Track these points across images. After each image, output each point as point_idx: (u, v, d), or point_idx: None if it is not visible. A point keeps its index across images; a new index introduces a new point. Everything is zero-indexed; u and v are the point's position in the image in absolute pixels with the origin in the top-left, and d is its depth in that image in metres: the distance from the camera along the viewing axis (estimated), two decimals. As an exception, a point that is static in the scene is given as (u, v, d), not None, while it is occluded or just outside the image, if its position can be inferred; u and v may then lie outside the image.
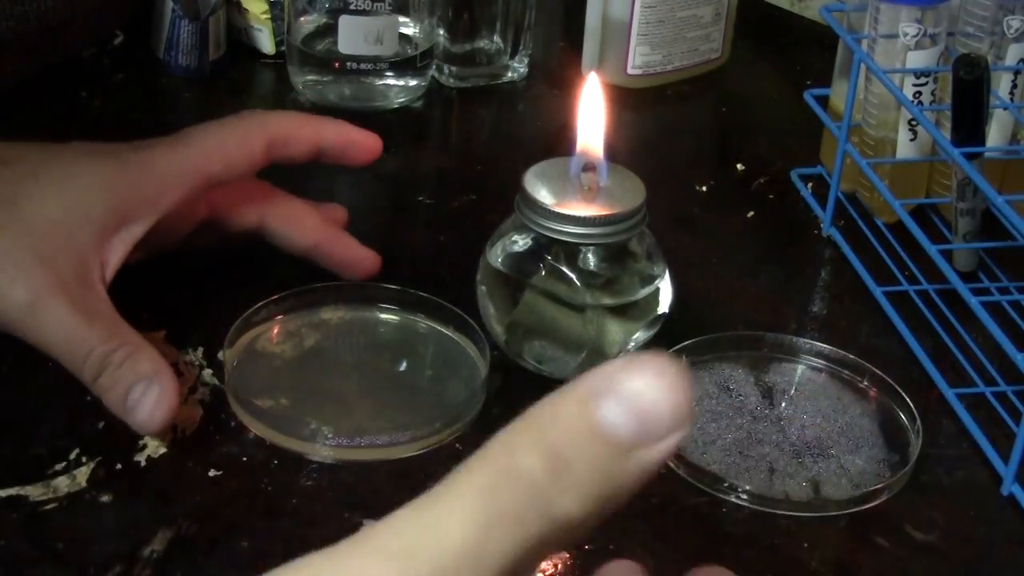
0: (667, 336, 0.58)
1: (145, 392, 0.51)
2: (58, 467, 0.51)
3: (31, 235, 0.53)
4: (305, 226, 0.61)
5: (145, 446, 0.52)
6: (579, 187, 0.55)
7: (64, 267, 0.52)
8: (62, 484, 0.50)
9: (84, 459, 0.51)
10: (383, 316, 0.60)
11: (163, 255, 0.60)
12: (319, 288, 0.60)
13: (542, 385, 0.57)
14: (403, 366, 0.58)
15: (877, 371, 0.58)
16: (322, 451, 0.52)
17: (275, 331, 0.59)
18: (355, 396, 0.56)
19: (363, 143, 0.62)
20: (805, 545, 0.51)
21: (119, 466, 0.51)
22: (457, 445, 0.54)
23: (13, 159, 0.55)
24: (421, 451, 0.53)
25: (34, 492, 0.50)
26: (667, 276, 0.57)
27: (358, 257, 0.61)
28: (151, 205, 0.55)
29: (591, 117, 0.56)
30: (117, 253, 0.54)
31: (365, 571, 0.25)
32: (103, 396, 0.52)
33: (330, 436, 0.52)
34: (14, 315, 0.52)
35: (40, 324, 0.52)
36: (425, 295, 0.60)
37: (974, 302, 0.56)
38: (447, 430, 0.54)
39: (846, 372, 0.59)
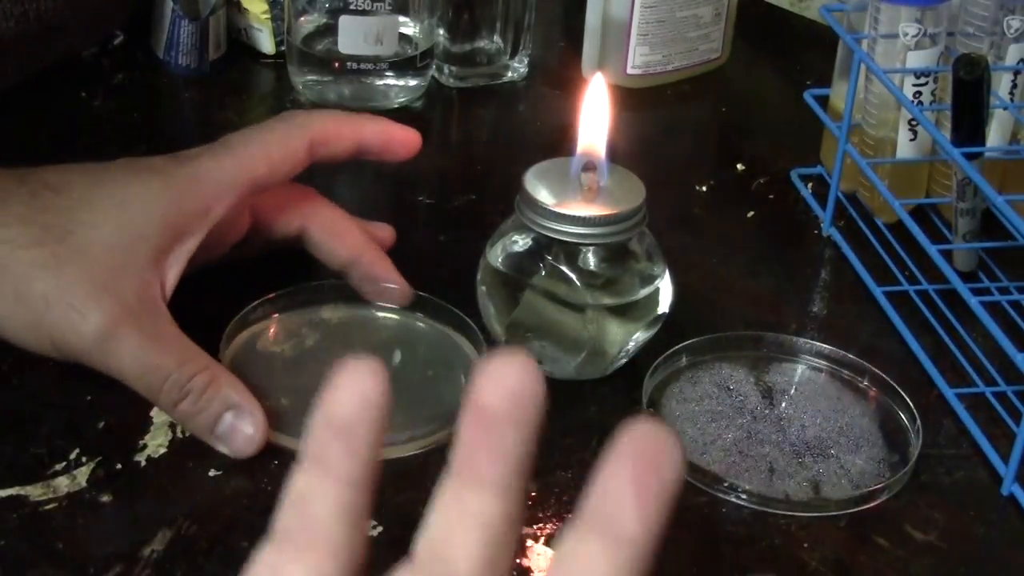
0: (667, 336, 0.58)
1: (236, 420, 0.52)
2: (58, 467, 0.51)
3: (92, 265, 0.52)
4: (347, 240, 0.61)
5: (145, 446, 0.52)
6: (579, 187, 0.55)
7: (128, 293, 0.52)
8: (62, 484, 0.50)
9: (84, 459, 0.51)
10: (382, 315, 0.60)
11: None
12: (318, 286, 0.60)
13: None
14: (402, 366, 0.58)
15: (877, 371, 0.58)
16: None
17: (273, 330, 0.59)
18: None
19: (403, 138, 0.62)
20: (805, 545, 0.51)
21: (119, 466, 0.51)
22: (457, 445, 0.54)
23: (62, 186, 0.54)
24: (420, 450, 0.53)
25: (34, 492, 0.50)
26: (667, 276, 0.57)
27: (392, 282, 0.60)
28: (202, 217, 0.55)
29: (594, 117, 0.56)
30: (174, 270, 0.54)
31: None
32: (185, 422, 0.53)
33: None
34: (85, 347, 0.52)
35: (113, 355, 0.52)
36: (425, 295, 0.60)
37: (974, 302, 0.56)
38: (445, 430, 0.54)
39: (846, 372, 0.59)
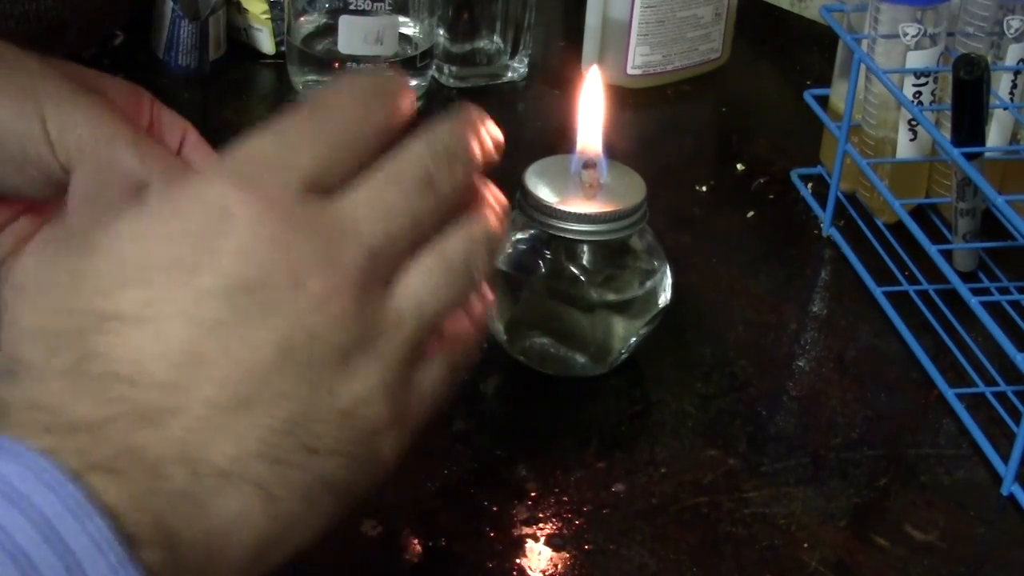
0: (667, 335, 0.58)
1: None
2: (58, 466, 0.51)
3: None
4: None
5: (145, 445, 0.52)
6: (580, 184, 0.55)
7: None
8: (62, 483, 0.50)
9: (84, 458, 0.51)
10: None
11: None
12: None
13: (543, 383, 0.57)
14: None
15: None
16: None
17: None
18: None
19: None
20: (805, 545, 0.51)
21: (119, 465, 0.51)
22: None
23: None
24: None
25: (34, 491, 0.49)
26: (668, 271, 0.57)
27: None
28: None
29: (591, 112, 0.56)
30: None
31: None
32: None
33: None
34: None
35: None
36: None
37: (974, 302, 0.56)
38: None
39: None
